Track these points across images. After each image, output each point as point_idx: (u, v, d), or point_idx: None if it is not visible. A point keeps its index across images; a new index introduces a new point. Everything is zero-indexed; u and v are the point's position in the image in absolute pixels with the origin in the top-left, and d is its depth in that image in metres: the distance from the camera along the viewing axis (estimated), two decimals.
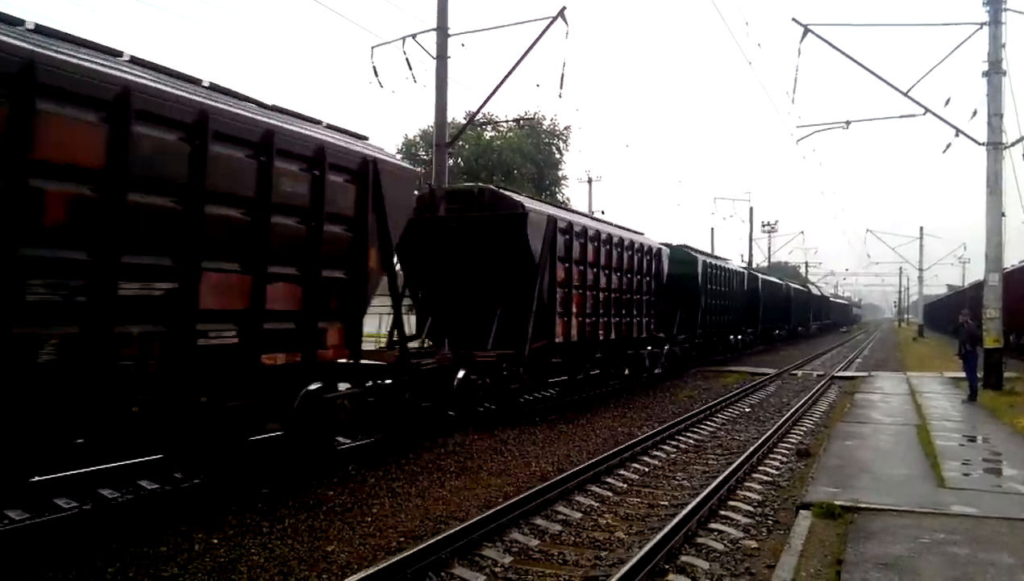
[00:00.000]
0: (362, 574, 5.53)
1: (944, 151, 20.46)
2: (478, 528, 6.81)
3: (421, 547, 6.13)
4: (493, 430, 12.26)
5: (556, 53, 49.87)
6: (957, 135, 19.49)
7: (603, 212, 46.97)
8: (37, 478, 7.15)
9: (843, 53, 19.02)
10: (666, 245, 22.30)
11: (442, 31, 18.32)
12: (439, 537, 6.41)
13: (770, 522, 7.80)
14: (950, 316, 46.74)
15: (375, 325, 19.71)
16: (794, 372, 25.89)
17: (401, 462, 9.82)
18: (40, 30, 6.12)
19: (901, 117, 21.42)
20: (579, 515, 7.89)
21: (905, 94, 18.93)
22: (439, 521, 7.41)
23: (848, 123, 22.13)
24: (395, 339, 11.01)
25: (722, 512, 8.03)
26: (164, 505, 7.35)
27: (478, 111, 21.76)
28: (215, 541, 6.59)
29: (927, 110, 19.31)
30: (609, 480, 9.40)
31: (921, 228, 65.64)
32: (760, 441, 11.42)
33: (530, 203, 13.92)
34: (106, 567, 5.87)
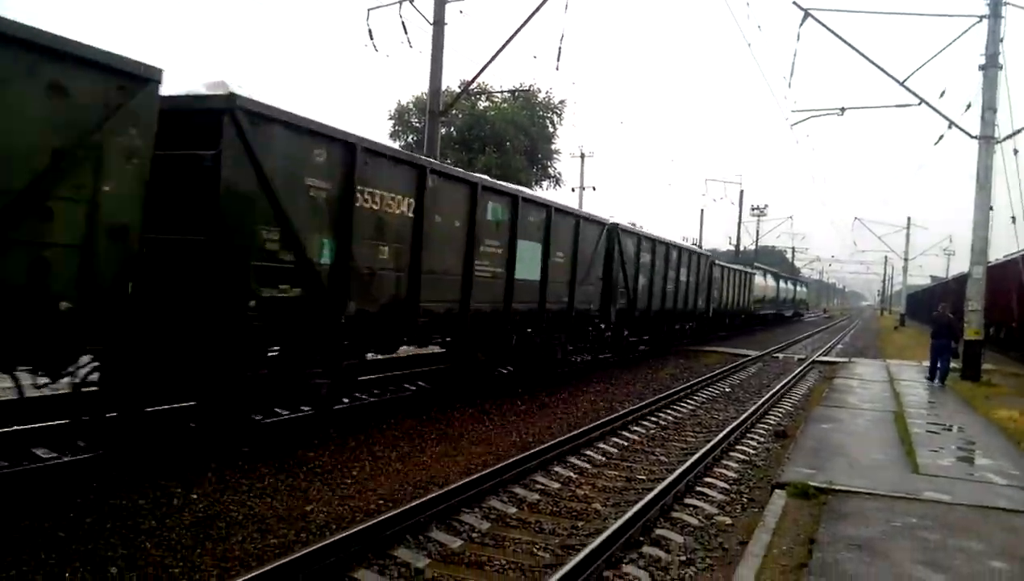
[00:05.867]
0: (341, 535, 5.57)
1: (936, 142, 20.53)
2: (457, 494, 6.87)
3: (400, 510, 6.17)
4: (475, 400, 12.31)
5: (554, 25, 49.35)
6: (950, 127, 19.50)
7: (594, 188, 46.46)
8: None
9: (842, 39, 18.93)
10: None
11: None
12: (418, 501, 6.45)
13: (745, 500, 7.91)
14: (932, 306, 46.72)
15: None
16: None
17: (383, 427, 9.85)
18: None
19: (896, 106, 21.44)
20: (557, 485, 7.96)
21: (901, 84, 18.91)
22: (419, 486, 7.45)
23: (843, 110, 22.04)
24: None
25: (698, 488, 8.13)
26: (145, 458, 7.34)
27: (473, 80, 21.46)
28: (194, 496, 6.60)
29: (922, 100, 19.30)
30: (588, 452, 9.48)
31: (908, 218, 65.58)
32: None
33: None
34: (83, 517, 5.88)
